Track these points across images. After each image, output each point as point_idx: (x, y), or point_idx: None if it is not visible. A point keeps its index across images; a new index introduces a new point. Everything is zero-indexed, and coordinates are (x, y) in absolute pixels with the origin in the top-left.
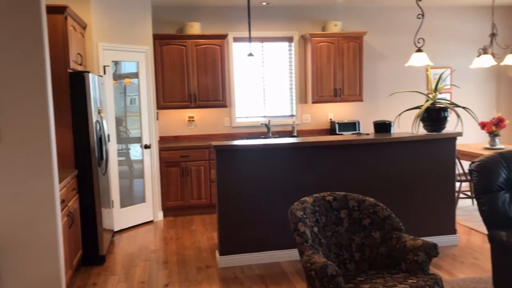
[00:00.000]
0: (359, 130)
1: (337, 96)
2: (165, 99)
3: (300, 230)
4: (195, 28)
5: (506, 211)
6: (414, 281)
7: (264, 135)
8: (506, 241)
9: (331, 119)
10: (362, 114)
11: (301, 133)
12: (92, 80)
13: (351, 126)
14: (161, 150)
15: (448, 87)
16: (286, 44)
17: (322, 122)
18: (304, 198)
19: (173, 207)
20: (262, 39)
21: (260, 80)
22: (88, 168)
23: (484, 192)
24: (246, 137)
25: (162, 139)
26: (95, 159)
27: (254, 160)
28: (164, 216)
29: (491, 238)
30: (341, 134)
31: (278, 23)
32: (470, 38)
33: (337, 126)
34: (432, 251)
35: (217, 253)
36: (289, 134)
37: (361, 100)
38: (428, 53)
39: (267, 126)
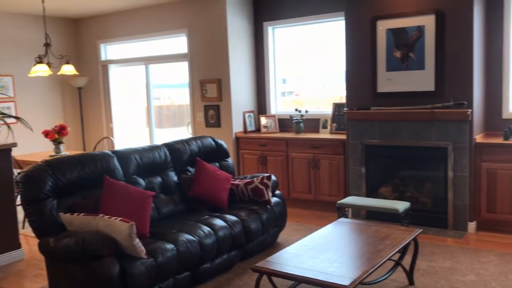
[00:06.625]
0: None
1: None
2: None
3: None
4: None
5: (54, 217)
6: None
7: None
8: (53, 247)
9: None
10: None
11: None
12: None
13: None
14: None
15: (11, 95)
16: None
17: None
18: None
19: None
20: None
21: None
22: None
23: (31, 202)
24: None
25: None
26: None
27: None
28: None
29: (41, 246)
30: None
31: None
32: (29, 46)
33: None
34: None
35: None
36: None
37: None
38: None
39: None
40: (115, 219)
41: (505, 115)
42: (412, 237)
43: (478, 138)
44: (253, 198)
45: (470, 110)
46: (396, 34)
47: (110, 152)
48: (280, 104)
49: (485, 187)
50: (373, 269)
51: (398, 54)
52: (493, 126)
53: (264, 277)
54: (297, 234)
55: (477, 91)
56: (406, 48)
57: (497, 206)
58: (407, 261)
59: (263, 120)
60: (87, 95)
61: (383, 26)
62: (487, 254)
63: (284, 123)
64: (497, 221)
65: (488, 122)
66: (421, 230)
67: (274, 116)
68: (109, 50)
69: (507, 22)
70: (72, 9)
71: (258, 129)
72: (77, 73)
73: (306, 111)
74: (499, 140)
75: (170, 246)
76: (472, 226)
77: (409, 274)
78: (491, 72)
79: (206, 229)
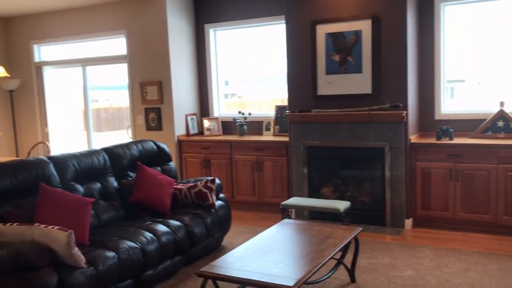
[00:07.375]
0: None
1: None
2: None
3: None
4: None
5: None
6: None
7: None
8: None
9: None
10: None
11: None
12: None
13: None
14: None
15: None
16: None
17: None
18: None
19: None
20: None
21: None
22: None
23: None
24: None
25: None
26: None
27: None
28: None
29: None
30: None
31: None
32: None
33: None
34: None
35: None
36: None
37: None
38: None
39: None
40: (52, 228)
41: (437, 116)
42: (353, 235)
43: (413, 138)
44: (197, 202)
45: (405, 111)
46: (334, 38)
47: (45, 158)
48: (223, 107)
49: (420, 185)
50: (316, 268)
51: (337, 57)
52: (427, 127)
53: (209, 282)
54: (241, 236)
55: (411, 94)
56: (344, 52)
57: (431, 203)
58: (348, 259)
59: (206, 123)
60: (19, 98)
61: (322, 30)
62: (423, 250)
63: (228, 126)
64: (431, 218)
65: (422, 123)
66: (361, 228)
67: (217, 118)
68: (44, 51)
69: (437, 27)
70: (1, 7)
71: (201, 132)
72: (8, 75)
73: (250, 114)
74: (432, 140)
75: (111, 254)
76: (408, 223)
77: (351, 272)
78: (424, 75)
79: (149, 235)
